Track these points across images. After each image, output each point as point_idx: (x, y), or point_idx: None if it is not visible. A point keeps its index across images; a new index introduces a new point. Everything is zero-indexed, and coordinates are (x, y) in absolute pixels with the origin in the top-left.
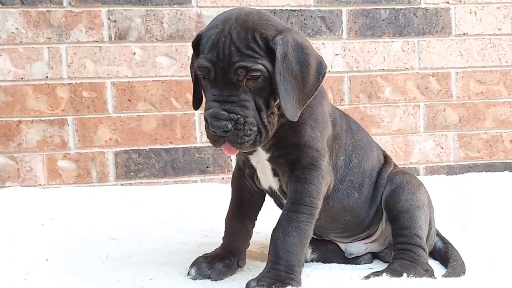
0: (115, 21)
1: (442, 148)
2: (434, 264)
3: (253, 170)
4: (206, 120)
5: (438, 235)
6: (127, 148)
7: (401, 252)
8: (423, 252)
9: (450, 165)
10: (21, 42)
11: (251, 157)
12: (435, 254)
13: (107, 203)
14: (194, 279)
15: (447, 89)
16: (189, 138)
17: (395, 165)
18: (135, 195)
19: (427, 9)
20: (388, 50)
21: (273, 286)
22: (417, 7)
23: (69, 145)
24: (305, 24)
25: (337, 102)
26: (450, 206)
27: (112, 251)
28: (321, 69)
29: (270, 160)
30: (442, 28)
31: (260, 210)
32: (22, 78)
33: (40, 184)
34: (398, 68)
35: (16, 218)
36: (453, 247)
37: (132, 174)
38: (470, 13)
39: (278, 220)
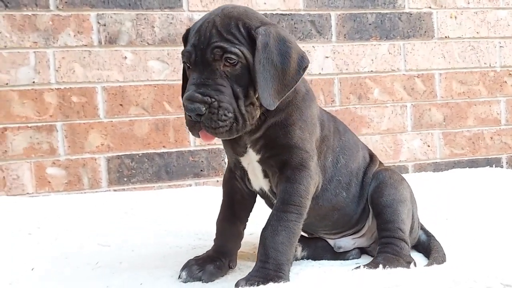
0: (104, 25)
1: (428, 146)
2: (417, 256)
3: (244, 172)
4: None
5: (422, 228)
6: (120, 153)
7: (385, 246)
8: (405, 245)
9: (436, 162)
10: (5, 46)
11: (242, 159)
12: (419, 247)
13: (98, 209)
14: (185, 282)
15: (431, 89)
16: (183, 141)
17: (380, 163)
18: (128, 200)
19: (411, 14)
20: (376, 52)
21: (260, 284)
22: (402, 11)
23: (59, 152)
24: (295, 27)
25: (328, 103)
26: (437, 201)
27: (103, 258)
28: (302, 63)
29: (260, 161)
30: (425, 31)
31: (251, 211)
32: (7, 84)
33: (28, 193)
34: (385, 70)
35: (0, 228)
36: (436, 240)
37: (125, 179)
38: (451, 17)
39: (268, 220)
